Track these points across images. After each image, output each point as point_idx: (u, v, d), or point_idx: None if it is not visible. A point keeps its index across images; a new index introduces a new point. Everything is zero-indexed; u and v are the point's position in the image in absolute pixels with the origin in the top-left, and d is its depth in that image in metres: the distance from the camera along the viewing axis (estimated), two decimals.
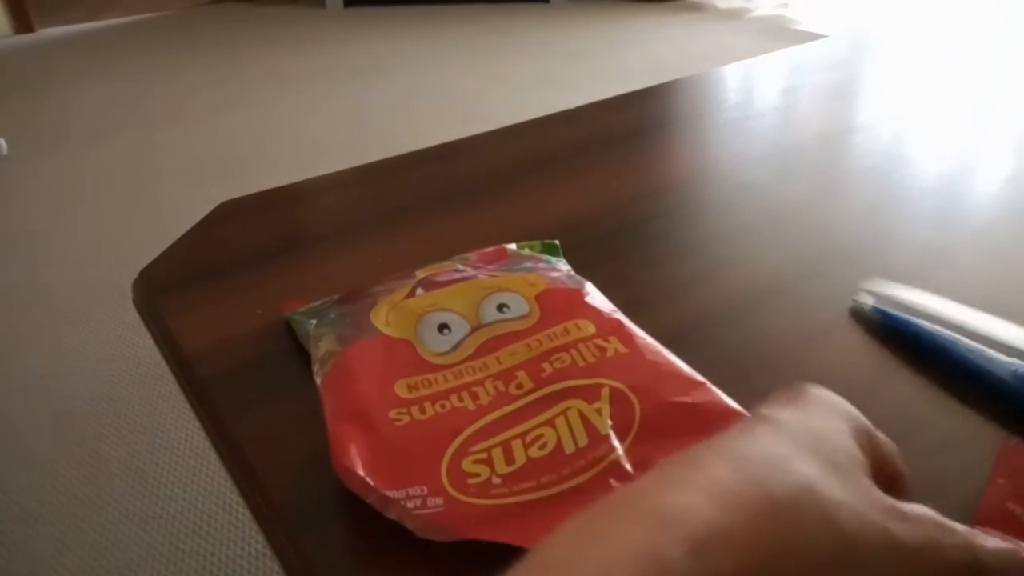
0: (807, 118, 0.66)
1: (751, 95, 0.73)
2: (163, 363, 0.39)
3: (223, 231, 0.49)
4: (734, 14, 3.71)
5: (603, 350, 0.31)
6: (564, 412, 0.28)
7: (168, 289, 0.42)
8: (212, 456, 0.33)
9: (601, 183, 0.54)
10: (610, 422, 0.28)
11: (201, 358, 0.36)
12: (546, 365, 0.30)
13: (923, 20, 0.97)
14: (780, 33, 3.31)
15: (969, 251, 0.44)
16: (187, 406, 0.37)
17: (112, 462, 1.14)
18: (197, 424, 0.35)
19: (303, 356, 0.36)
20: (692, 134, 0.64)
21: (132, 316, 0.42)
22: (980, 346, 0.33)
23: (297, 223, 0.52)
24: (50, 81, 3.03)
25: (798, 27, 3.41)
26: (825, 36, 0.97)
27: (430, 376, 0.30)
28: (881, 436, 0.23)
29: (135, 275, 0.43)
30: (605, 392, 0.29)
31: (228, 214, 0.51)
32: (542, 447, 0.27)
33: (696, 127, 0.66)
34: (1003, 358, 0.32)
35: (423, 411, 0.29)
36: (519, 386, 0.30)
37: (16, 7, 3.76)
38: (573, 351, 0.31)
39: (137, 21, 4.03)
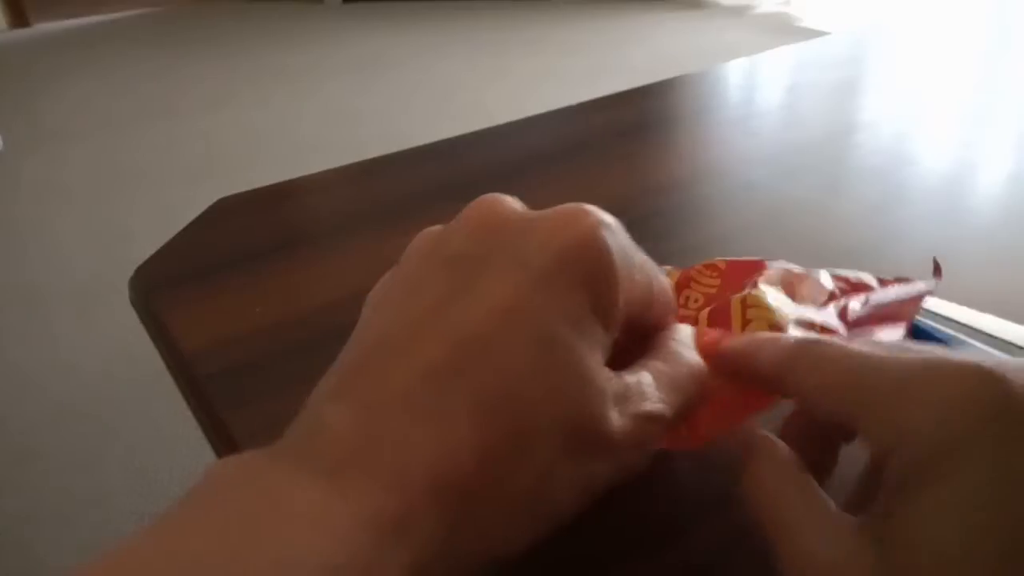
0: (810, 116, 0.66)
1: (753, 92, 0.73)
2: (160, 361, 0.38)
3: (220, 228, 0.49)
4: (737, 11, 3.70)
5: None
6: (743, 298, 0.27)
7: (165, 286, 0.42)
8: (210, 455, 0.33)
9: (601, 181, 0.53)
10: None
11: (199, 356, 0.36)
12: (686, 293, 0.29)
13: (927, 17, 0.97)
14: (783, 30, 3.30)
15: (975, 251, 0.43)
16: (185, 405, 0.36)
17: (110, 461, 1.14)
18: (195, 423, 0.35)
19: (302, 354, 0.36)
20: (694, 132, 0.64)
21: (128, 313, 0.42)
22: (989, 348, 0.32)
23: (295, 220, 0.51)
24: (46, 76, 3.02)
25: (801, 24, 3.40)
26: (828, 33, 0.97)
27: None
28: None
29: (131, 272, 0.43)
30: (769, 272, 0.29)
31: (225, 210, 0.50)
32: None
33: (698, 125, 0.65)
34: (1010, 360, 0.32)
35: None
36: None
37: (12, 1, 3.75)
38: (695, 283, 0.30)
39: (134, 16, 4.02)
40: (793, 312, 0.27)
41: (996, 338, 0.34)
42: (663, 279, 0.23)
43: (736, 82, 0.76)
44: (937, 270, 0.31)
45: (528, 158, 0.58)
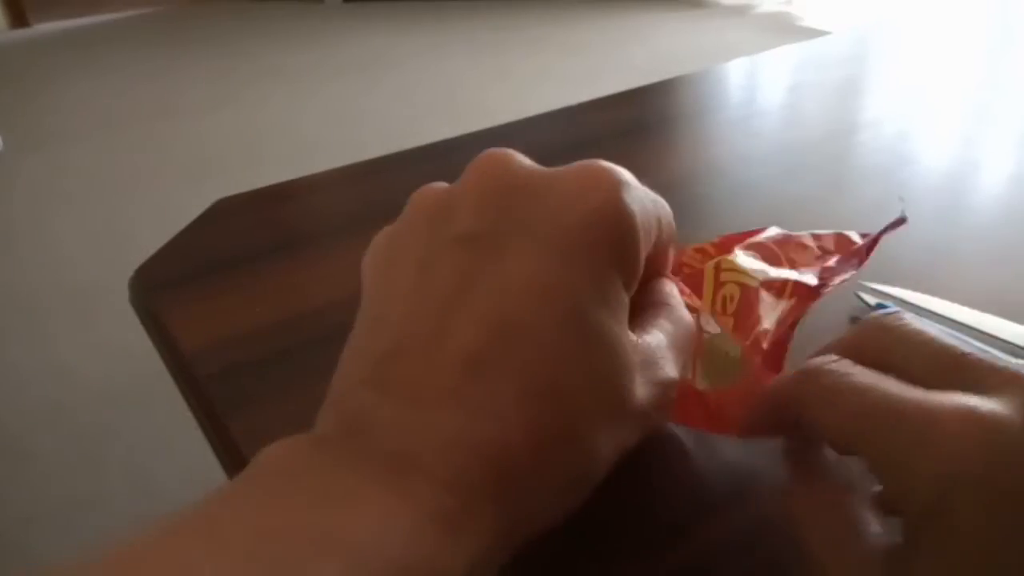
0: (811, 116, 0.66)
1: (755, 92, 0.73)
2: (160, 362, 0.38)
3: (220, 228, 0.49)
4: (738, 10, 3.69)
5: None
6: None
7: (165, 287, 0.42)
8: (210, 456, 0.33)
9: None
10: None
11: (198, 357, 0.36)
12: None
13: (928, 16, 0.97)
14: (784, 29, 3.30)
15: (975, 250, 0.43)
16: (185, 405, 0.36)
17: (109, 462, 1.14)
18: (195, 424, 0.35)
19: (302, 355, 0.36)
20: (695, 131, 0.64)
21: (128, 314, 0.42)
22: (988, 347, 0.32)
23: (295, 220, 0.51)
24: (46, 76, 3.02)
25: (802, 23, 3.40)
26: (829, 32, 0.97)
27: None
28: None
29: (131, 272, 0.43)
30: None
31: (225, 211, 0.50)
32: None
33: (699, 124, 0.65)
34: (1012, 360, 0.31)
35: None
36: None
37: (12, 2, 3.75)
38: (686, 267, 0.30)
39: (134, 16, 4.02)
40: (768, 273, 0.27)
41: (996, 338, 0.33)
42: (666, 208, 0.23)
43: (737, 81, 0.76)
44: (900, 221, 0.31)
45: (529, 158, 0.58)
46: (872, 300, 0.37)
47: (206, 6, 4.15)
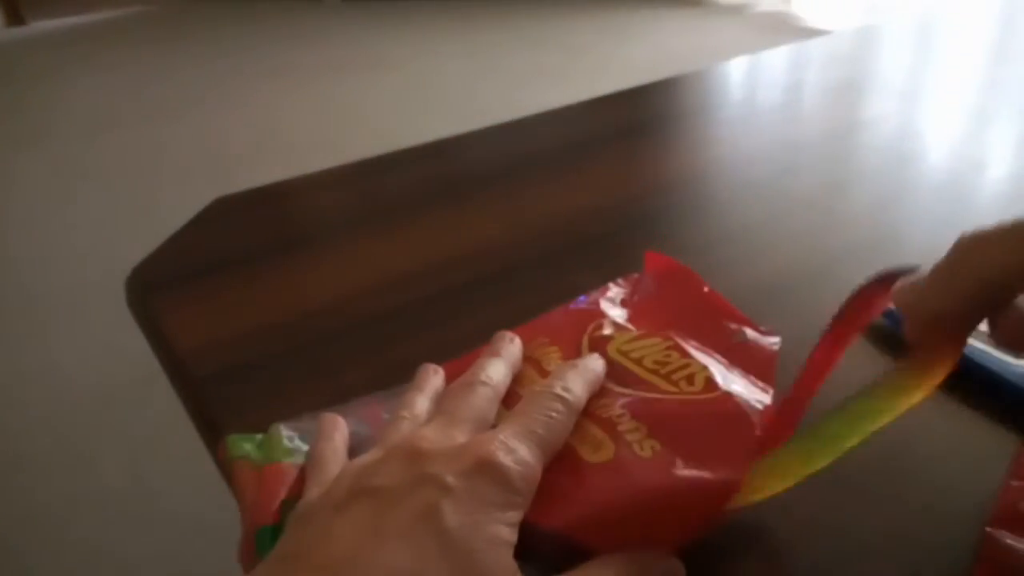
0: (812, 115, 0.65)
1: (754, 91, 0.73)
2: (157, 362, 0.38)
3: (217, 228, 0.48)
4: (736, 10, 3.69)
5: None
6: None
7: (161, 287, 0.41)
8: (207, 457, 0.33)
9: (601, 181, 0.53)
10: None
11: (195, 358, 0.36)
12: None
13: (927, 15, 0.97)
14: (783, 29, 3.30)
15: None
16: (181, 406, 0.36)
17: (106, 463, 1.14)
18: (192, 424, 0.35)
19: (299, 356, 0.36)
20: (694, 131, 0.64)
21: (125, 314, 0.42)
22: (989, 348, 0.32)
23: (293, 220, 0.51)
24: (42, 74, 3.01)
25: (801, 23, 3.40)
26: (828, 32, 0.96)
27: None
28: None
29: (128, 273, 0.43)
30: None
31: (222, 210, 0.50)
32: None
33: (698, 124, 0.65)
34: (1013, 361, 0.31)
35: None
36: None
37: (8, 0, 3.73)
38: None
39: (130, 14, 4.01)
40: None
41: None
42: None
43: (736, 81, 0.76)
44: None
45: (528, 158, 0.57)
46: None
47: (203, 4, 4.14)
